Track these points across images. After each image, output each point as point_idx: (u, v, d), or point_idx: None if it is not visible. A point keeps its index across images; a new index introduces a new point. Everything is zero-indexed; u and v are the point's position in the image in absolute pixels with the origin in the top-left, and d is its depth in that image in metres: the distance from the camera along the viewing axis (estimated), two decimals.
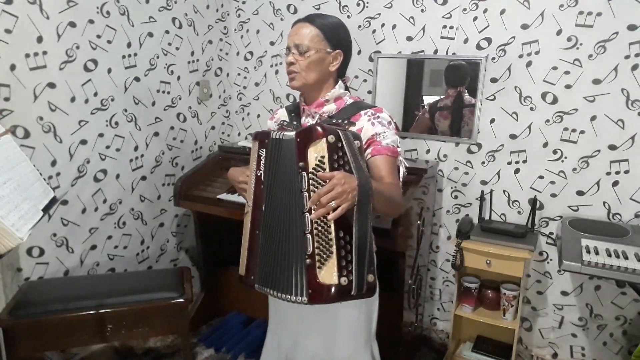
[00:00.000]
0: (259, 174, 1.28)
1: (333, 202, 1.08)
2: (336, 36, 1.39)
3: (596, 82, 2.05)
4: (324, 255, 1.13)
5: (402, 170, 1.40)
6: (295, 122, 1.46)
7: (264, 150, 1.27)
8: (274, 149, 1.26)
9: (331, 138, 1.13)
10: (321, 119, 1.40)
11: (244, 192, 1.39)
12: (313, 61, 1.35)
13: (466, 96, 2.31)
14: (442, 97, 2.36)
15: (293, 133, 1.20)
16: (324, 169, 1.13)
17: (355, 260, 1.13)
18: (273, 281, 1.25)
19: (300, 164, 1.15)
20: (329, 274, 1.12)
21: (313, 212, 1.12)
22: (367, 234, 1.15)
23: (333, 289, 1.12)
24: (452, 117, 2.36)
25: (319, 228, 1.13)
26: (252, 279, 1.30)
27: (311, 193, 1.13)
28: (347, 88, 1.47)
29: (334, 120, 1.37)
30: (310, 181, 1.13)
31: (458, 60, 2.29)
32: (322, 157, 1.13)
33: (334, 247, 1.12)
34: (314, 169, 1.14)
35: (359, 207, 1.12)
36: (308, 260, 1.13)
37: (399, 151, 1.37)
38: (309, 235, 1.13)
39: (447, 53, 2.32)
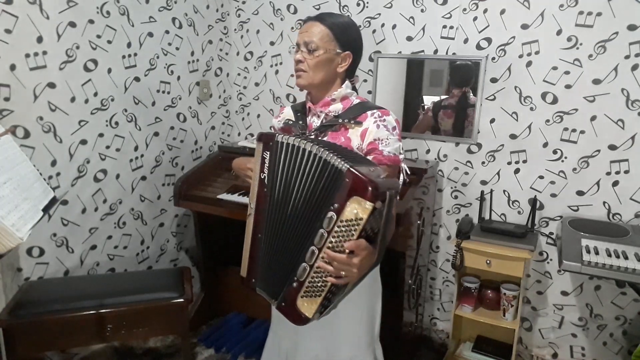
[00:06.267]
0: (262, 177, 1.26)
1: (342, 272, 1.10)
2: (346, 36, 1.37)
3: (596, 82, 2.05)
4: (313, 292, 1.16)
5: (402, 177, 1.38)
6: (301, 122, 1.44)
7: (268, 152, 1.24)
8: (280, 152, 1.22)
9: (379, 204, 1.05)
10: (327, 118, 1.39)
11: (249, 179, 1.36)
12: (321, 61, 1.34)
13: (471, 96, 2.30)
14: (447, 96, 2.36)
15: (345, 165, 1.09)
16: (355, 233, 1.08)
17: (335, 302, 1.19)
18: (269, 287, 1.26)
19: (335, 205, 1.08)
20: (309, 308, 1.16)
21: (320, 258, 1.12)
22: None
23: (303, 317, 1.18)
24: (456, 116, 2.36)
25: (321, 271, 1.14)
26: (254, 282, 1.30)
27: (330, 237, 1.10)
28: (354, 88, 1.45)
29: (340, 121, 1.35)
30: (335, 227, 1.09)
31: (464, 61, 2.29)
32: (360, 219, 1.06)
33: (325, 292, 1.14)
34: (346, 221, 1.08)
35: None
36: (295, 284, 1.17)
37: (400, 158, 1.35)
38: (307, 267, 1.14)
39: (447, 53, 2.32)
